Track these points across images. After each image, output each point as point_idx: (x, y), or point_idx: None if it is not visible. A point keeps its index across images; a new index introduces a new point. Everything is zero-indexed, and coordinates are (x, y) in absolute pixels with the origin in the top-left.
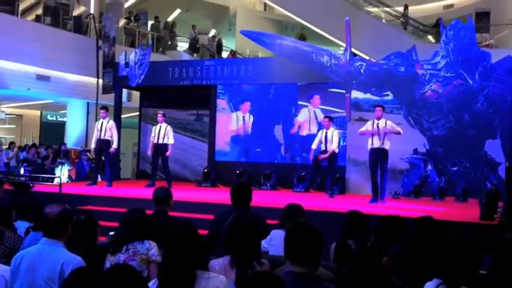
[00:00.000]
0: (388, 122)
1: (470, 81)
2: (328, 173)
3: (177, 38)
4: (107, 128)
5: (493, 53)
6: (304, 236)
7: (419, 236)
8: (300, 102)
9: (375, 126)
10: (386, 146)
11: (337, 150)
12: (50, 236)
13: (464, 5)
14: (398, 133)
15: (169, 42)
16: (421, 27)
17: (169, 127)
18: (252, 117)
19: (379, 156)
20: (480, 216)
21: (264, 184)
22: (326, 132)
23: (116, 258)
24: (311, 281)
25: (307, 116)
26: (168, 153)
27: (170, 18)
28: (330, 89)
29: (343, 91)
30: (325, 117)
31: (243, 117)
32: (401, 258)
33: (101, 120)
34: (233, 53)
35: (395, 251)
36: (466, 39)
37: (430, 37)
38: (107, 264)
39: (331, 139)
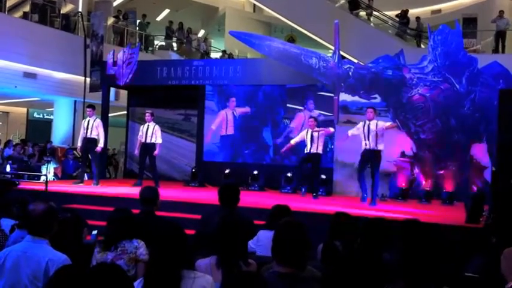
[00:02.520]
0: (379, 123)
1: (457, 86)
2: (313, 174)
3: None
4: (93, 127)
5: (479, 58)
6: (293, 236)
7: (405, 239)
8: (288, 105)
9: (366, 127)
10: (380, 146)
11: (321, 151)
12: (35, 233)
13: (452, 11)
14: (392, 127)
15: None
16: (409, 31)
17: (157, 126)
18: (237, 110)
19: (370, 157)
20: (466, 220)
21: (252, 185)
22: (312, 132)
23: (104, 256)
24: (297, 281)
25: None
26: (155, 152)
27: (159, 18)
28: (318, 92)
29: (331, 94)
30: (310, 117)
31: (232, 113)
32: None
33: (88, 118)
34: None
35: (387, 259)
36: (453, 44)
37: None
38: (94, 263)
39: (317, 139)
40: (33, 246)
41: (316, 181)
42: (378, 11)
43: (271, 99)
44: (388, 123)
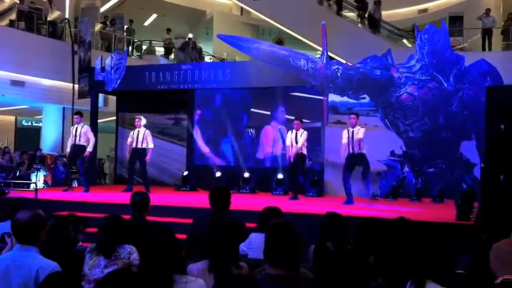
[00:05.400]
0: (361, 130)
1: (445, 84)
2: (295, 174)
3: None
4: (81, 133)
5: (466, 56)
6: (285, 237)
7: (394, 237)
8: (252, 110)
9: (350, 134)
10: (364, 151)
11: (305, 151)
12: (23, 241)
13: (438, 10)
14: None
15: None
16: (396, 31)
17: (147, 131)
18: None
19: (359, 160)
20: (456, 217)
21: (243, 188)
22: (296, 133)
23: (96, 262)
24: (289, 283)
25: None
26: (147, 157)
27: (146, 23)
28: (291, 93)
29: (305, 94)
30: (295, 119)
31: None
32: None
33: (76, 125)
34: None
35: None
36: (440, 43)
37: (405, 41)
38: (86, 269)
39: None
40: (23, 254)
41: (294, 182)
42: (364, 10)
43: (233, 103)
44: (363, 129)
